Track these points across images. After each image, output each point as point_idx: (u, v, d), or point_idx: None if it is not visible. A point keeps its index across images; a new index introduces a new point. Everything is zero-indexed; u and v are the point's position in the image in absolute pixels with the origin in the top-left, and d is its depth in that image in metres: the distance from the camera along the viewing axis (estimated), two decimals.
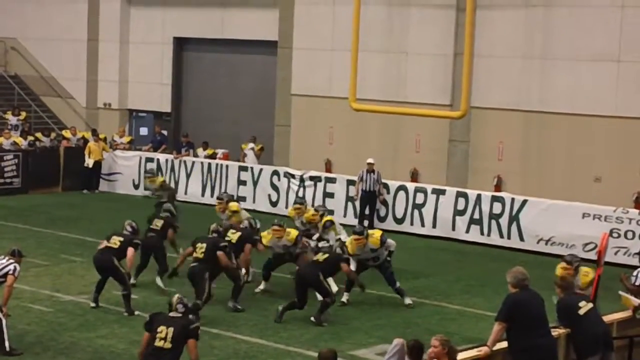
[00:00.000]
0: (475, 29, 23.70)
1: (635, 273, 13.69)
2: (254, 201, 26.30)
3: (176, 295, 11.65)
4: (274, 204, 25.96)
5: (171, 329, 11.03)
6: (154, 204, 22.38)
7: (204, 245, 16.16)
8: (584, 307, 11.67)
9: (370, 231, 17.52)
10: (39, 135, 29.66)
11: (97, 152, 28.99)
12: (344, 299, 17.12)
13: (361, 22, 24.46)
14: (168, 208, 19.62)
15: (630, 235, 20.97)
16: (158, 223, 18.14)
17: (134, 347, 14.22)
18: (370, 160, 24.30)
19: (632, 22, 22.74)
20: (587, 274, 13.10)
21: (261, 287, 17.93)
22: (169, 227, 18.26)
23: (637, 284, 13.49)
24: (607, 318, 12.30)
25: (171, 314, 11.37)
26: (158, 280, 17.52)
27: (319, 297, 16.08)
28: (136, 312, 16.01)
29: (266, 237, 17.74)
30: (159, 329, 11.06)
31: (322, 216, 19.23)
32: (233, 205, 19.48)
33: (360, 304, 17.14)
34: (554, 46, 23.82)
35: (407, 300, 17.19)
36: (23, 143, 28.64)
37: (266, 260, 18.00)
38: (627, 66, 22.87)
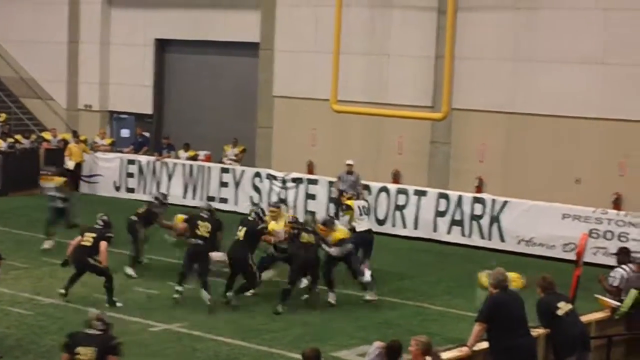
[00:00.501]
0: (457, 32, 23.86)
1: (612, 274, 13.75)
2: (235, 203, 26.30)
3: (94, 312, 10.88)
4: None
5: (91, 349, 10.27)
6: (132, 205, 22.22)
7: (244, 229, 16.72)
8: (563, 307, 11.72)
9: (339, 227, 17.50)
10: (18, 137, 29.54)
11: (78, 154, 28.89)
12: (331, 299, 17.16)
13: (343, 24, 24.58)
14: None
15: (609, 235, 21.08)
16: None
17: None
18: (349, 162, 24.31)
19: (617, 25, 22.84)
20: (516, 279, 13.05)
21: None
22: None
23: (614, 285, 13.55)
24: (586, 318, 12.38)
25: (89, 332, 10.54)
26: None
27: (304, 282, 16.67)
28: (118, 304, 16.28)
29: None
30: (78, 350, 10.25)
31: (349, 199, 19.62)
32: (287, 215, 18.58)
33: (342, 305, 17.15)
34: (537, 48, 23.90)
35: (370, 296, 17.25)
36: (3, 145, 28.53)
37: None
38: (611, 68, 22.97)
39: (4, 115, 31.07)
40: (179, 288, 16.92)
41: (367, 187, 24.26)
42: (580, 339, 11.74)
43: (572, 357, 11.55)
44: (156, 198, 20.31)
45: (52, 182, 24.35)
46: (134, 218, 19.31)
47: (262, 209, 18.32)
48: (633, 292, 12.87)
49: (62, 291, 16.81)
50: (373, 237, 19.35)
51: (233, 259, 16.94)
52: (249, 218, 17.50)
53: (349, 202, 19.52)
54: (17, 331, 15.01)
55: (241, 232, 16.96)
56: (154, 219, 19.53)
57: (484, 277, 12.96)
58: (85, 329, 10.59)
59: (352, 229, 18.68)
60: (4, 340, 14.45)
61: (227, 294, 16.87)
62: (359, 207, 19.36)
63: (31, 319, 15.74)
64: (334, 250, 17.06)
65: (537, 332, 11.74)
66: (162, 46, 31.31)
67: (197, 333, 15.19)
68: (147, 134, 30.74)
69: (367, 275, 17.27)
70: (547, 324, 11.73)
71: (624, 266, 13.79)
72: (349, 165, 24.27)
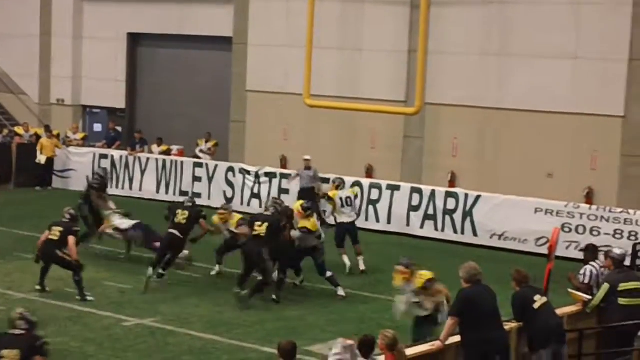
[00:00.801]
0: (430, 26, 23.88)
1: (582, 271, 13.82)
2: (209, 198, 26.24)
3: (17, 310, 10.52)
4: (229, 201, 25.88)
5: (17, 352, 9.94)
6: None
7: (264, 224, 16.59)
8: (539, 301, 11.78)
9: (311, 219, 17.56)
10: None
11: (50, 149, 28.74)
12: (341, 292, 17.30)
13: (316, 18, 24.57)
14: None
15: (581, 229, 21.21)
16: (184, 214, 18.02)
17: (87, 345, 14.18)
18: (306, 157, 24.28)
19: (589, 19, 22.95)
20: (421, 277, 13.07)
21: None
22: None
23: (585, 282, 13.62)
24: (558, 312, 12.42)
25: (14, 332, 10.22)
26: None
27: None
28: (89, 298, 16.36)
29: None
30: (2, 354, 9.89)
31: (337, 187, 19.85)
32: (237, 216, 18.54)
33: (316, 299, 17.21)
34: (509, 43, 23.97)
35: (340, 292, 17.34)
36: None
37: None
38: (582, 63, 23.08)
39: None
40: (150, 272, 17.13)
41: (340, 181, 24.19)
42: (557, 331, 11.81)
43: (547, 350, 11.62)
44: (96, 174, 21.45)
45: None
46: (80, 200, 20.24)
47: (280, 203, 18.33)
48: (606, 286, 12.95)
49: (38, 287, 16.86)
50: (356, 227, 19.70)
51: (248, 254, 16.76)
52: (267, 213, 17.44)
53: (331, 194, 19.60)
54: None
55: (262, 228, 16.68)
56: (93, 198, 20.12)
57: (399, 277, 12.98)
58: (10, 330, 10.34)
59: (335, 220, 19.18)
60: None
61: (239, 291, 16.57)
62: (341, 198, 19.45)
63: (3, 314, 15.59)
64: (295, 234, 17.17)
65: (510, 325, 11.80)
66: (135, 40, 31.19)
67: (170, 327, 15.15)
68: (119, 129, 30.63)
69: (329, 273, 17.38)
70: (522, 317, 11.79)
71: (592, 263, 13.87)
72: (306, 160, 24.25)
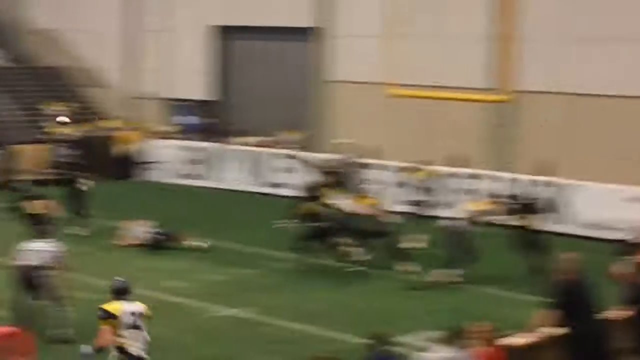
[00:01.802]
0: (518, 12, 23.54)
1: None
2: (296, 189, 26.13)
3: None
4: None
5: None
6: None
7: None
8: None
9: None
10: (88, 125, 29.76)
11: (137, 141, 29.13)
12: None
13: (401, 6, 24.36)
14: None
15: None
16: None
17: (183, 335, 14.28)
18: (342, 141, 24.22)
19: None
20: None
21: None
22: None
23: None
24: None
25: None
26: None
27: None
28: None
29: None
30: None
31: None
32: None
33: (408, 289, 17.11)
34: (598, 27, 23.49)
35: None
36: (75, 133, 28.83)
37: None
38: None
39: (67, 105, 31.23)
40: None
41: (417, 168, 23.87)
42: None
43: None
44: None
45: None
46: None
47: None
48: None
49: None
50: None
51: None
52: None
53: None
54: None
55: None
56: None
57: None
58: None
59: None
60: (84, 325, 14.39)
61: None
62: None
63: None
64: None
65: (615, 315, 11.54)
66: (223, 33, 31.35)
67: (262, 317, 15.23)
68: (208, 121, 30.86)
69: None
70: None
71: None
72: (343, 144, 24.13)
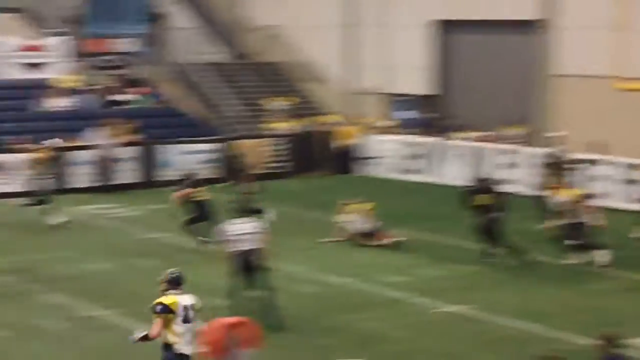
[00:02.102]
0: None
1: None
2: (520, 184, 25.57)
3: None
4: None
5: None
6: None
7: None
8: None
9: None
10: (301, 120, 30.25)
11: (356, 136, 29.29)
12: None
13: None
14: None
15: None
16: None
17: (401, 330, 14.23)
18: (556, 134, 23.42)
19: None
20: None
21: None
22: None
23: None
24: None
25: None
26: None
27: None
28: None
29: None
30: None
31: None
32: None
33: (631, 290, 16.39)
34: None
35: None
36: (294, 128, 29.32)
37: None
38: None
39: (290, 99, 31.83)
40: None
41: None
42: None
43: None
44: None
45: None
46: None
47: None
48: None
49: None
50: None
51: None
52: None
53: None
54: (300, 309, 15.21)
55: None
56: None
57: None
58: None
59: None
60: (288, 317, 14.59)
61: None
62: None
63: (314, 297, 15.96)
64: None
65: None
66: (444, 27, 31.08)
67: (482, 314, 14.94)
68: (428, 115, 30.68)
69: None
70: None
71: None
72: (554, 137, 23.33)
